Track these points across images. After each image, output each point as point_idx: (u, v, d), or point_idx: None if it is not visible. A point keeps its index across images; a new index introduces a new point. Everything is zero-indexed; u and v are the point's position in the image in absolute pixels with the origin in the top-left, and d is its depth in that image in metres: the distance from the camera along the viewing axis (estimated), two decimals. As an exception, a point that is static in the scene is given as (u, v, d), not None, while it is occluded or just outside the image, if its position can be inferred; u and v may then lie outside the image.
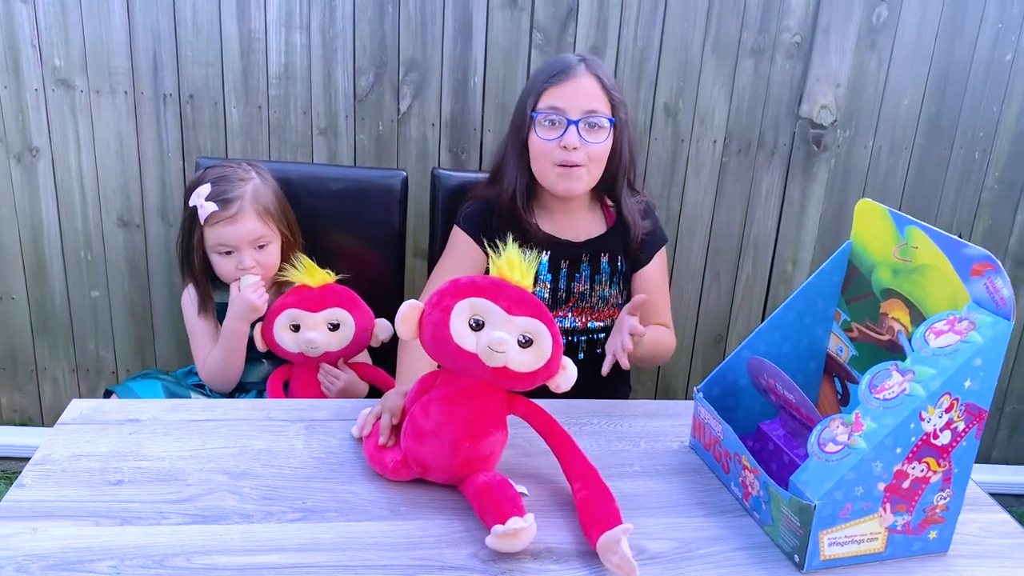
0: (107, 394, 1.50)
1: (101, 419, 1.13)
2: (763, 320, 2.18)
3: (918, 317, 1.03)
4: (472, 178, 1.70)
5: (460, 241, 1.54)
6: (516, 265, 1.00)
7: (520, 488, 1.00)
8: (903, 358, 0.95)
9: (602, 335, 1.57)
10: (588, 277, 1.54)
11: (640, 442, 1.17)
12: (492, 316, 0.96)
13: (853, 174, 2.09)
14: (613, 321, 1.56)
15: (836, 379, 1.17)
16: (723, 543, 0.97)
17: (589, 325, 1.57)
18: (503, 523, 0.90)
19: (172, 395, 1.49)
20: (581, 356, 1.56)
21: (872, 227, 1.10)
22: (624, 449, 1.15)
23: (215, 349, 1.53)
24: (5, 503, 0.94)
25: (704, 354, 2.23)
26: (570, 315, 1.56)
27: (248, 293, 1.44)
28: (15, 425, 2.18)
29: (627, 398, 1.72)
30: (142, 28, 1.88)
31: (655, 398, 2.23)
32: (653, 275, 1.59)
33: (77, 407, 1.15)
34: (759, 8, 1.94)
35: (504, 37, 1.93)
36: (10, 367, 2.13)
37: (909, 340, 1.02)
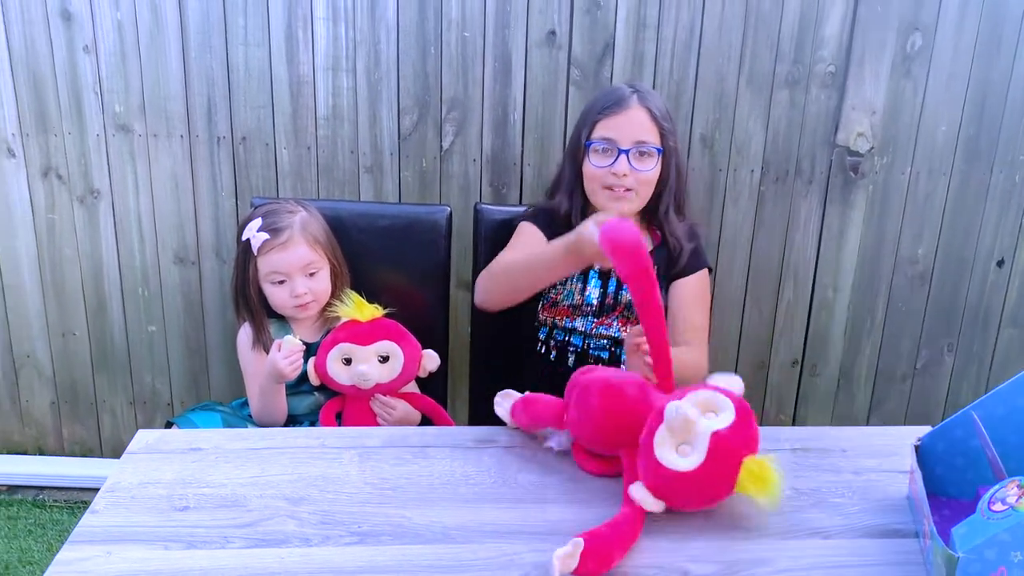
0: (168, 425, 1.56)
1: (166, 448, 1.18)
2: (805, 345, 2.20)
3: None
4: (513, 212, 1.74)
5: (529, 231, 1.63)
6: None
7: None
8: None
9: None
10: None
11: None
12: None
13: (892, 200, 2.10)
14: None
15: None
16: (766, 565, 0.98)
17: None
18: None
19: (229, 425, 1.55)
20: (623, 368, 1.59)
21: None
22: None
23: (257, 394, 1.58)
24: (80, 528, 1.00)
25: (745, 381, 2.23)
26: (616, 324, 1.60)
27: (279, 359, 1.48)
28: (76, 456, 2.26)
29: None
30: (197, 75, 1.97)
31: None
32: (690, 288, 1.62)
33: (143, 437, 1.21)
34: (792, 40, 1.98)
35: (542, 74, 1.98)
36: (72, 400, 2.22)
37: None
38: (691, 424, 1.02)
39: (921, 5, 1.96)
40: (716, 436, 1.02)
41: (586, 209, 1.60)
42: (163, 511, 1.04)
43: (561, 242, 1.34)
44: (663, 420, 1.04)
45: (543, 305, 1.62)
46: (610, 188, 1.54)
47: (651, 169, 1.55)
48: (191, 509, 1.05)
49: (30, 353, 2.17)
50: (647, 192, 1.58)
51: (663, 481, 1.02)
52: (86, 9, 1.93)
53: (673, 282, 1.62)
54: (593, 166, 1.55)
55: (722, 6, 1.95)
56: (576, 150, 1.60)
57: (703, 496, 1.05)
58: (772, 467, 1.01)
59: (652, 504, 1.03)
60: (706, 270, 1.65)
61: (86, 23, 1.94)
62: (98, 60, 1.96)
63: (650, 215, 1.63)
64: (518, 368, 1.68)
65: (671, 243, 1.60)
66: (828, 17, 1.96)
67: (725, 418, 1.05)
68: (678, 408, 1.02)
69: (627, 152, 1.53)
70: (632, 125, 1.53)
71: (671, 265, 1.61)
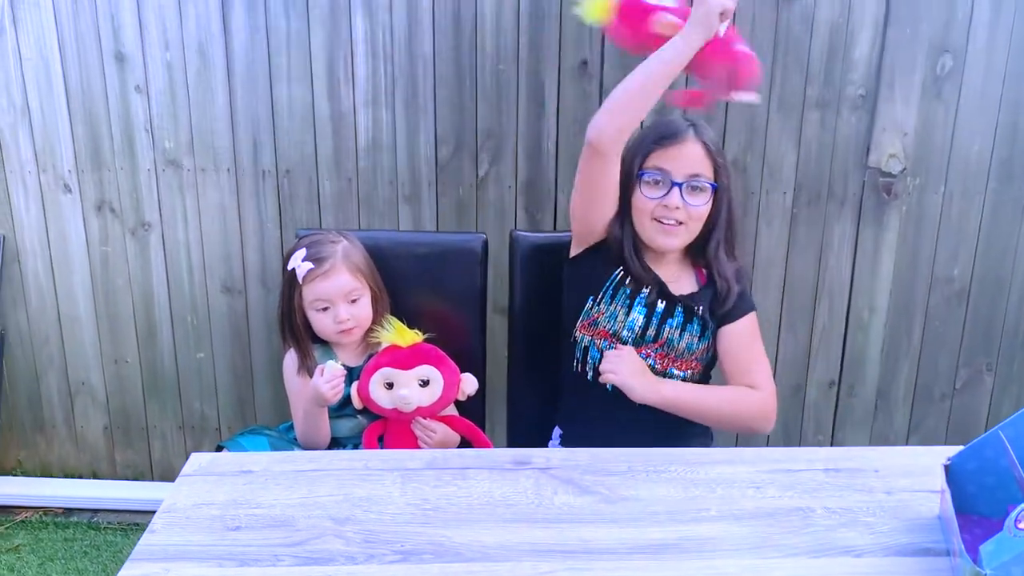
0: (218, 449, 1.62)
1: (218, 471, 1.24)
2: (842, 366, 2.20)
3: None
4: (548, 238, 1.78)
5: None
6: None
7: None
8: None
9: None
10: (680, 324, 1.56)
11: (716, 488, 1.22)
12: None
13: (926, 220, 2.10)
14: (694, 373, 1.60)
15: None
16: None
17: (669, 371, 1.58)
18: None
19: (276, 449, 1.61)
20: None
21: None
22: (701, 495, 1.20)
23: (302, 418, 1.64)
24: (140, 547, 1.05)
25: (782, 404, 2.24)
26: (653, 356, 1.58)
27: (321, 384, 1.54)
28: (128, 480, 2.34)
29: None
30: (243, 111, 2.05)
31: (735, 445, 2.25)
32: (741, 333, 1.59)
33: (196, 460, 1.26)
34: (822, 63, 2.00)
35: (574, 104, 2.03)
36: (124, 426, 2.30)
37: None
38: None
39: (950, 28, 1.98)
40: None
41: (636, 239, 1.58)
42: (216, 531, 1.09)
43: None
44: None
45: (582, 323, 1.62)
46: (659, 220, 1.52)
47: (703, 204, 1.52)
48: (243, 529, 1.10)
49: (85, 380, 2.26)
50: (696, 228, 1.54)
51: None
52: (138, 51, 2.02)
53: (722, 328, 1.59)
54: (645, 197, 1.52)
55: (751, 30, 1.98)
56: (627, 180, 1.55)
57: None
58: None
59: None
60: (753, 313, 1.62)
61: (138, 64, 2.03)
62: (149, 99, 2.06)
63: (695, 253, 1.60)
64: (555, 391, 1.72)
65: (719, 284, 1.57)
66: (857, 41, 1.99)
67: None
68: None
69: (680, 185, 1.49)
70: (687, 158, 1.50)
71: (717, 305, 1.58)
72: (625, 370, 1.52)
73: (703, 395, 1.57)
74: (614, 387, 1.55)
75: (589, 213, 1.57)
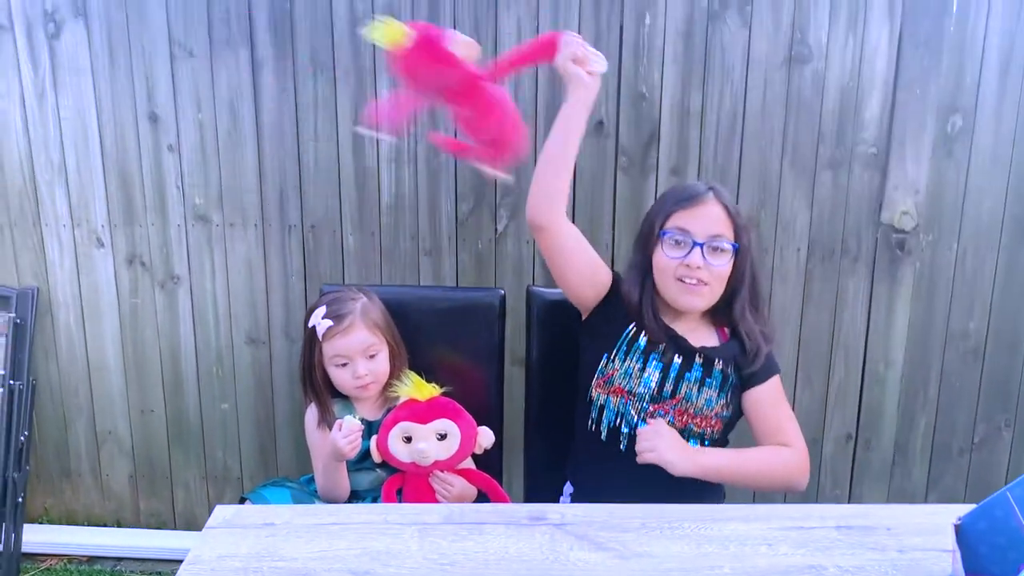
0: (242, 500, 1.66)
1: (241, 523, 1.27)
2: (858, 420, 2.21)
3: None
4: (564, 294, 1.82)
5: None
6: None
7: None
8: None
9: (696, 444, 1.62)
10: (698, 379, 1.58)
11: (729, 545, 1.24)
12: None
13: (940, 276, 2.13)
14: (713, 432, 1.60)
15: None
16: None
17: (688, 426, 1.59)
18: None
19: (297, 501, 1.64)
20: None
21: None
22: (714, 551, 1.22)
23: (321, 471, 1.67)
24: (166, 598, 1.09)
25: (800, 456, 2.25)
26: (671, 413, 1.58)
27: (339, 438, 1.58)
28: (151, 528, 2.38)
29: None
30: (271, 168, 2.13)
31: (753, 502, 2.25)
32: (768, 394, 1.61)
33: (221, 513, 1.30)
34: (834, 124, 2.05)
35: (592, 161, 2.09)
36: (148, 475, 2.34)
37: None
38: None
39: (960, 89, 2.02)
40: None
41: (655, 299, 1.60)
42: (239, 583, 1.12)
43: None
44: None
45: (598, 380, 1.64)
46: (682, 280, 1.54)
47: (724, 264, 1.54)
48: (265, 581, 1.13)
49: (112, 429, 2.31)
50: (719, 289, 1.57)
51: None
52: (171, 112, 2.11)
53: (749, 390, 1.60)
54: (667, 257, 1.54)
55: (763, 93, 2.04)
56: (648, 241, 1.59)
57: None
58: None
59: None
60: (778, 376, 1.64)
61: (170, 124, 2.12)
62: (180, 157, 2.14)
63: (718, 313, 1.63)
64: (570, 445, 1.74)
65: (747, 343, 1.58)
66: (867, 102, 2.04)
67: None
68: None
69: (701, 245, 1.52)
70: (708, 219, 1.53)
71: (744, 363, 1.59)
72: (663, 446, 1.52)
73: (740, 460, 1.58)
74: (629, 450, 1.56)
75: (568, 287, 1.63)
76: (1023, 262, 2.11)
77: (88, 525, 2.38)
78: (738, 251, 1.56)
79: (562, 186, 1.54)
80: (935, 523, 1.27)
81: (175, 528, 2.38)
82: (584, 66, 1.46)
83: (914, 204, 2.09)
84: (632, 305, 1.59)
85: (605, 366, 1.61)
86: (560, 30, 1.48)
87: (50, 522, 2.39)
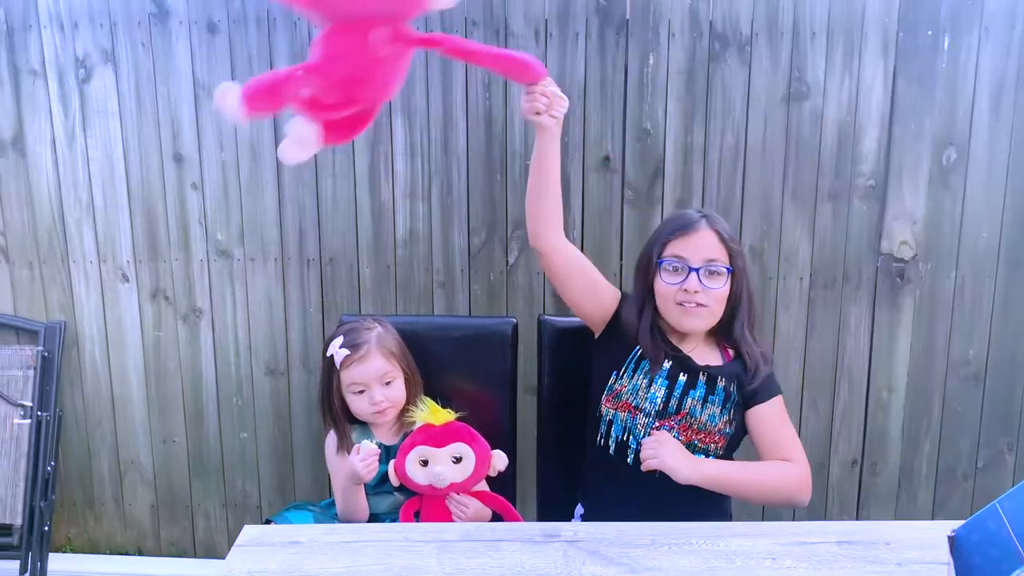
0: (266, 522, 1.71)
1: (269, 541, 1.33)
2: (864, 445, 2.26)
3: None
4: (574, 323, 1.88)
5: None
6: None
7: None
8: None
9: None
10: (702, 397, 1.64)
11: (735, 559, 1.29)
12: None
13: (939, 303, 2.19)
14: (717, 448, 1.66)
15: None
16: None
17: (693, 442, 1.64)
18: None
19: (319, 523, 1.69)
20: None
21: None
22: (720, 565, 1.27)
23: (340, 495, 1.73)
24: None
25: (807, 481, 2.29)
26: (676, 428, 1.64)
27: (356, 462, 1.64)
28: (172, 556, 2.43)
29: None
30: (290, 204, 2.21)
31: (762, 519, 2.29)
32: (771, 413, 1.67)
33: (248, 532, 1.36)
34: (833, 157, 2.13)
35: (598, 195, 2.17)
36: (170, 503, 2.40)
37: None
38: None
39: (953, 122, 2.10)
40: None
41: (656, 323, 1.69)
42: (268, 597, 1.18)
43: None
44: None
45: (606, 396, 1.71)
46: (681, 304, 1.62)
47: (720, 287, 1.63)
48: (292, 595, 1.18)
49: (134, 459, 2.37)
50: (719, 310, 1.65)
51: None
52: (195, 152, 2.20)
53: (752, 409, 1.67)
54: (665, 283, 1.63)
55: (764, 129, 2.12)
56: (647, 269, 1.68)
57: None
58: None
59: None
60: (780, 396, 1.70)
61: (194, 164, 2.21)
62: (204, 195, 2.22)
63: (722, 334, 1.70)
64: (581, 466, 1.79)
65: (748, 362, 1.66)
66: (864, 137, 2.11)
67: None
68: None
69: (698, 270, 1.61)
70: (702, 245, 1.62)
71: (745, 381, 1.66)
72: (666, 453, 1.59)
73: (742, 470, 1.64)
74: (636, 463, 1.62)
75: (572, 303, 1.75)
76: (1020, 289, 2.17)
77: (110, 554, 2.44)
78: (733, 273, 1.64)
79: (549, 208, 1.67)
80: (932, 538, 1.32)
81: (195, 556, 2.43)
82: (550, 111, 1.58)
83: (912, 234, 2.15)
84: (631, 329, 1.68)
85: (614, 383, 1.69)
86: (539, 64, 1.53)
87: (73, 551, 2.44)
